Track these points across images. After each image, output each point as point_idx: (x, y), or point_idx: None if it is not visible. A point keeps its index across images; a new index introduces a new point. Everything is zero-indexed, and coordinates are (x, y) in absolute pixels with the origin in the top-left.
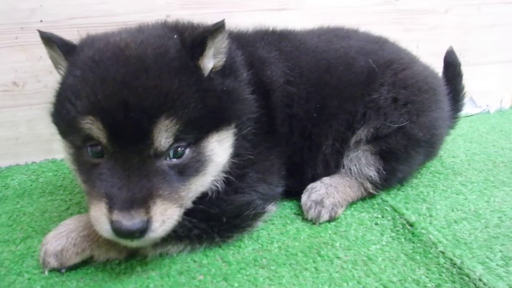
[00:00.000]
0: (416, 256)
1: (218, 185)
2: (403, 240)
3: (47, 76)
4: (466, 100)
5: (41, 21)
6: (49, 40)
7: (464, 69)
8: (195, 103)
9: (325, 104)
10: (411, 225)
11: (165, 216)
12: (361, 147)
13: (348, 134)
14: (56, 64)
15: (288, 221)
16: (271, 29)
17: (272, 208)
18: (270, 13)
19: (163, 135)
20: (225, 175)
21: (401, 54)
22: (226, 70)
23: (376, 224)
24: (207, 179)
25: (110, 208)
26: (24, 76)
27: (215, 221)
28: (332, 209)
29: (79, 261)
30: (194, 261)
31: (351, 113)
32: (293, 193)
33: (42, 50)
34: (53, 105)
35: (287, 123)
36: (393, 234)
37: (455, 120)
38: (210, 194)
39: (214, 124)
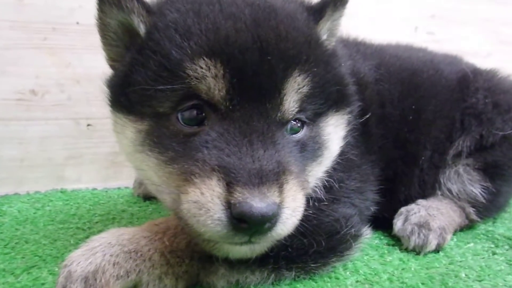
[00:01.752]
0: None
1: (317, 189)
2: None
3: (73, 87)
4: None
5: (77, 23)
6: None
7: None
8: (323, 66)
9: (420, 106)
10: None
11: (296, 203)
12: (462, 161)
13: (447, 145)
14: (111, 38)
15: (385, 251)
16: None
17: (367, 232)
18: None
19: (293, 96)
20: (327, 178)
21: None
22: (336, 55)
23: (494, 253)
24: (319, 172)
25: (229, 185)
26: (46, 84)
27: (311, 237)
28: (440, 234)
29: None
30: None
31: (450, 119)
32: (375, 221)
33: (72, 56)
34: (118, 71)
35: (381, 125)
36: None
37: None
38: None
39: (334, 102)
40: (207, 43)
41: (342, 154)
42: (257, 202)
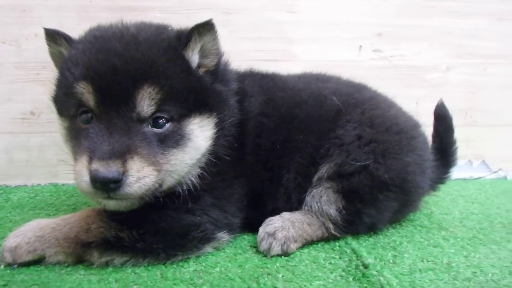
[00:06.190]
0: None
1: (193, 179)
2: (351, 279)
3: None
4: (458, 157)
5: None
6: (55, 34)
7: (473, 129)
8: (179, 81)
9: (290, 137)
10: (366, 267)
11: (141, 174)
12: (324, 184)
13: (312, 169)
14: (56, 60)
15: (240, 251)
16: (257, 70)
17: (223, 236)
18: (264, 64)
19: (146, 102)
20: (200, 171)
21: (378, 98)
22: (218, 75)
23: (330, 263)
24: (185, 159)
25: (90, 160)
26: (41, 107)
27: (161, 236)
28: (285, 242)
29: (31, 259)
30: (135, 273)
31: (315, 148)
32: (255, 226)
33: None
34: (55, 86)
35: (255, 152)
36: (343, 274)
37: (445, 175)
38: (183, 189)
39: (196, 107)
40: (84, 71)
41: (216, 153)
42: (102, 170)
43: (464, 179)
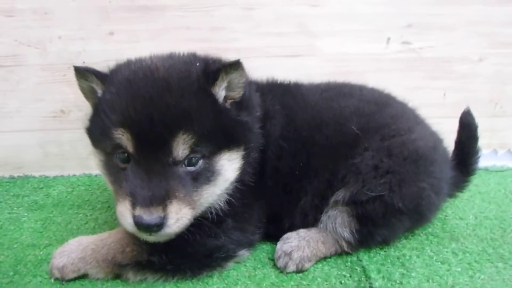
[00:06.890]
0: None
1: (221, 204)
2: None
3: (87, 106)
4: (479, 162)
5: (83, 62)
6: (86, 72)
7: (502, 120)
8: (210, 122)
9: (309, 162)
10: None
11: (179, 215)
12: (339, 208)
13: (329, 192)
14: (87, 94)
15: (259, 265)
16: (279, 81)
17: (244, 253)
18: (287, 59)
19: (181, 147)
20: (228, 197)
21: (401, 119)
22: (242, 104)
23: (341, 283)
24: (216, 191)
25: (133, 205)
26: (69, 106)
27: (187, 259)
28: (300, 262)
29: (76, 276)
30: None
31: (333, 173)
32: (272, 237)
33: None
34: (89, 120)
35: (274, 177)
36: None
37: (464, 183)
38: (211, 214)
39: (226, 143)
40: (121, 119)
41: (242, 181)
42: (146, 216)
43: (487, 169)
